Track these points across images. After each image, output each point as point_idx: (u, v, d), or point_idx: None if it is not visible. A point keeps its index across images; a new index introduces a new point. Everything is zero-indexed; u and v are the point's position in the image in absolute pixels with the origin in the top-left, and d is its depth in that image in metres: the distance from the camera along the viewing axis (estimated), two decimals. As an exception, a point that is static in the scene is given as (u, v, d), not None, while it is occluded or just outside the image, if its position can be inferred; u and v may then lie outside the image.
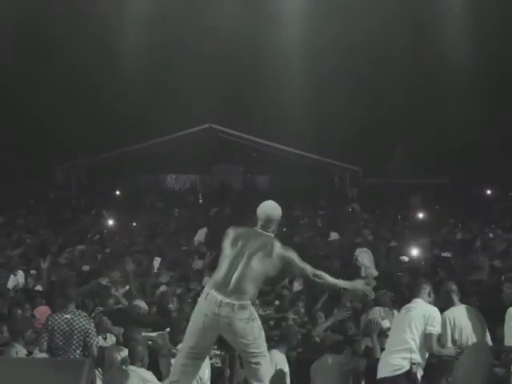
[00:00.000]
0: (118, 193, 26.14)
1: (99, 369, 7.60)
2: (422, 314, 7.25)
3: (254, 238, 6.30)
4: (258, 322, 6.27)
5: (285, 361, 7.75)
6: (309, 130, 28.33)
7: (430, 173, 29.38)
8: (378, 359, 7.52)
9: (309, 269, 6.36)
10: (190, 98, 28.74)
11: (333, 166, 31.09)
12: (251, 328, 6.16)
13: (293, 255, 6.32)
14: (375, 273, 12.42)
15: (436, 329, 7.21)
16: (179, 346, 6.50)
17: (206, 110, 29.31)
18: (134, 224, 18.38)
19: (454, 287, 7.64)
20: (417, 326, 7.19)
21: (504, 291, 7.47)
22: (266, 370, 6.34)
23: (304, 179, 29.65)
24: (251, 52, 29.86)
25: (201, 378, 7.46)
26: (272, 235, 6.42)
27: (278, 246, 6.30)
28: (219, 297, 6.06)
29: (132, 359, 7.48)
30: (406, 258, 12.87)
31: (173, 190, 30.00)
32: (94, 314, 8.56)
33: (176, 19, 28.64)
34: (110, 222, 17.75)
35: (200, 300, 6.21)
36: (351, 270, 11.64)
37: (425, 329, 7.18)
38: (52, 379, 6.05)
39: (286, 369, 7.70)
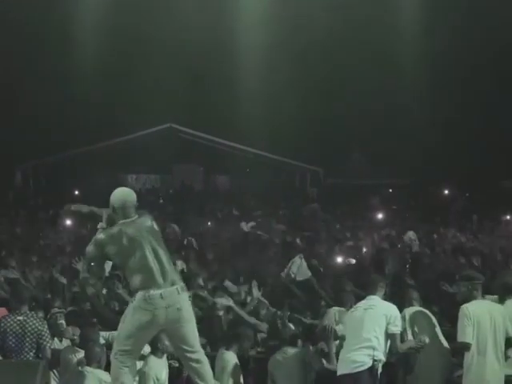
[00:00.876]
0: (76, 193, 25.86)
1: (54, 371, 7.50)
2: (383, 313, 7.25)
3: (132, 229, 6.20)
4: None
5: (236, 361, 7.70)
6: (269, 130, 28.39)
7: (390, 173, 29.66)
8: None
9: None
10: (151, 98, 28.60)
11: (293, 166, 31.21)
12: (192, 310, 6.31)
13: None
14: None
15: (398, 328, 7.24)
16: (115, 349, 6.39)
17: (167, 109, 29.20)
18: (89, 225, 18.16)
19: (415, 296, 7.76)
20: (380, 324, 7.19)
21: (460, 290, 7.54)
22: (209, 368, 6.34)
23: (265, 179, 29.72)
24: (212, 52, 29.83)
25: (158, 379, 7.42)
26: (137, 216, 6.33)
27: (149, 219, 6.36)
28: (160, 291, 6.03)
29: (89, 360, 7.40)
30: (352, 261, 12.95)
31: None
32: (49, 316, 8.43)
33: (136, 20, 28.49)
34: (68, 222, 17.56)
35: (139, 305, 6.07)
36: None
37: (387, 328, 7.20)
38: (5, 381, 5.95)
39: (238, 369, 7.66)
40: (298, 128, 28.65)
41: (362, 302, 7.52)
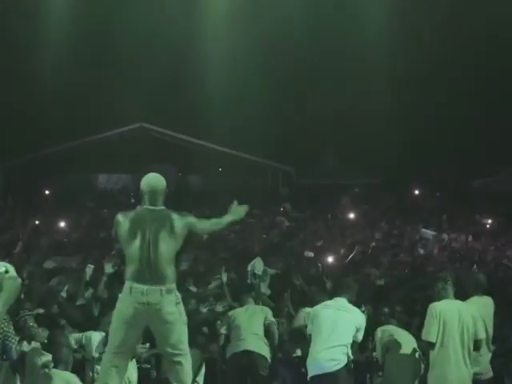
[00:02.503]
0: (47, 192, 25.64)
1: (18, 374, 7.41)
2: (356, 318, 7.39)
3: (150, 219, 6.12)
4: (183, 310, 6.22)
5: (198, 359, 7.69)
6: (242, 129, 28.39)
7: (361, 173, 29.81)
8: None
9: (207, 222, 6.41)
10: (122, 96, 28.43)
11: (266, 165, 31.23)
12: (179, 312, 6.12)
13: (191, 218, 6.27)
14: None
15: (360, 338, 7.42)
16: (106, 348, 6.35)
17: (138, 109, 29.06)
18: (62, 224, 18.03)
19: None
20: (352, 328, 7.31)
21: (436, 290, 7.59)
22: (189, 372, 6.26)
23: (237, 179, 29.69)
24: (183, 51, 29.75)
25: (130, 381, 7.41)
26: (163, 207, 6.25)
27: (175, 217, 6.16)
28: (144, 286, 5.96)
29: (56, 362, 7.35)
30: (310, 254, 13.03)
31: (104, 190, 29.61)
32: (18, 318, 8.32)
33: (108, 17, 28.31)
34: (37, 222, 17.39)
35: (124, 296, 6.05)
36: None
37: (354, 335, 7.32)
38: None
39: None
40: (271, 128, 28.66)
41: (330, 301, 7.57)
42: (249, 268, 10.78)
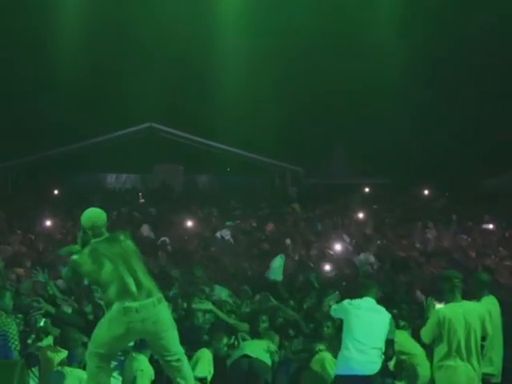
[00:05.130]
0: (56, 192, 25.70)
1: (33, 370, 7.46)
2: (385, 319, 7.43)
3: (104, 246, 6.34)
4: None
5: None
6: (250, 129, 28.41)
7: (370, 173, 29.77)
8: None
9: None
10: (131, 96, 28.52)
11: (274, 165, 31.20)
12: (171, 318, 6.38)
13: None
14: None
15: (395, 336, 7.50)
16: (91, 348, 6.41)
17: (147, 109, 29.11)
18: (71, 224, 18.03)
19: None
20: (385, 330, 7.35)
21: (441, 290, 7.58)
22: (189, 367, 6.45)
23: (245, 179, 29.70)
24: (192, 52, 29.80)
25: (152, 378, 7.49)
26: (107, 234, 6.48)
27: (122, 235, 6.47)
28: (135, 304, 6.08)
29: (70, 360, 7.41)
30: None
31: (113, 190, 29.66)
32: (28, 317, 8.37)
33: (116, 19, 28.39)
34: (48, 222, 17.42)
35: (115, 317, 6.12)
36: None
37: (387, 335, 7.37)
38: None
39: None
40: (279, 127, 28.68)
41: (359, 301, 7.54)
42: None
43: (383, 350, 7.27)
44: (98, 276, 6.22)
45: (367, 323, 7.26)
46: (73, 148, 29.58)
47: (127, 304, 6.05)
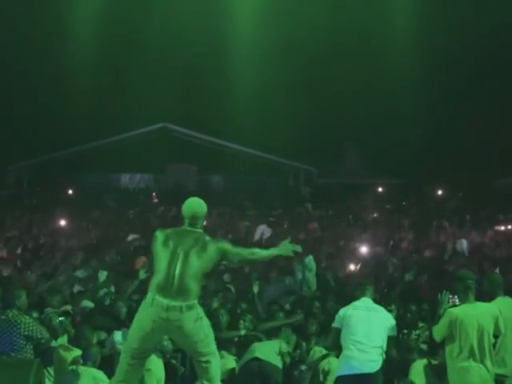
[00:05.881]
0: (70, 192, 25.85)
1: (49, 369, 7.51)
2: (387, 318, 7.51)
3: (184, 237, 6.28)
4: (207, 321, 6.28)
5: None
6: (264, 129, 28.43)
7: (383, 173, 29.72)
8: None
9: (243, 251, 6.43)
10: (145, 97, 28.61)
11: (287, 165, 31.21)
12: (200, 326, 6.16)
13: (226, 244, 6.37)
14: None
15: (395, 333, 7.54)
16: (124, 348, 6.43)
17: (161, 109, 29.19)
18: (86, 223, 18.19)
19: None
20: (385, 328, 7.41)
21: (457, 291, 7.59)
22: (217, 369, 6.33)
23: (258, 178, 29.73)
24: (206, 51, 29.84)
25: (160, 378, 7.52)
26: (201, 231, 6.42)
27: (209, 240, 6.32)
28: (165, 301, 6.03)
29: (85, 359, 7.45)
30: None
31: (127, 190, 29.78)
32: (44, 315, 8.42)
33: (130, 18, 28.48)
34: (63, 222, 17.54)
35: (145, 305, 6.13)
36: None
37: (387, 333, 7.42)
38: None
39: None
40: (292, 127, 28.68)
41: (357, 302, 7.62)
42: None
43: (384, 348, 7.33)
44: (157, 259, 6.22)
45: (366, 322, 7.35)
46: (87, 148, 29.73)
47: (157, 297, 6.04)
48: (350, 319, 7.43)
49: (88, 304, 9.65)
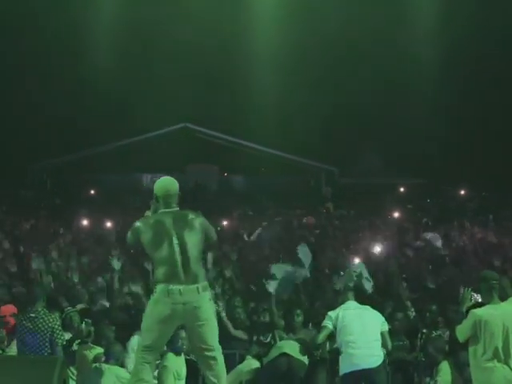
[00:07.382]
0: (92, 192, 25.99)
1: (71, 368, 7.55)
2: (375, 312, 7.79)
3: (169, 221, 6.29)
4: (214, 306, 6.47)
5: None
6: (284, 129, 28.40)
7: (405, 173, 29.60)
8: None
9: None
10: (167, 97, 28.68)
11: (308, 165, 31.19)
12: (213, 310, 6.35)
13: (204, 219, 6.45)
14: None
15: (387, 328, 7.71)
16: (138, 346, 6.46)
17: (182, 109, 29.27)
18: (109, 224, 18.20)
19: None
20: (379, 324, 7.66)
21: (480, 291, 7.53)
22: (223, 366, 6.38)
23: (280, 179, 29.71)
24: (227, 51, 29.87)
25: (179, 374, 7.55)
26: (177, 208, 6.43)
27: (191, 215, 6.37)
28: (180, 287, 6.08)
29: (107, 357, 7.50)
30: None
31: (148, 190, 29.80)
32: (64, 314, 8.46)
33: (150, 18, 28.58)
34: (85, 222, 17.62)
35: (159, 298, 6.14)
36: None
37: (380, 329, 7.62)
38: (23, 378, 5.97)
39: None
40: (313, 127, 28.62)
41: (344, 305, 7.83)
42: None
43: (381, 342, 7.51)
44: (154, 251, 6.22)
45: (360, 320, 7.56)
46: (108, 148, 29.88)
47: (171, 286, 6.07)
48: (343, 320, 7.60)
49: (104, 303, 9.69)
